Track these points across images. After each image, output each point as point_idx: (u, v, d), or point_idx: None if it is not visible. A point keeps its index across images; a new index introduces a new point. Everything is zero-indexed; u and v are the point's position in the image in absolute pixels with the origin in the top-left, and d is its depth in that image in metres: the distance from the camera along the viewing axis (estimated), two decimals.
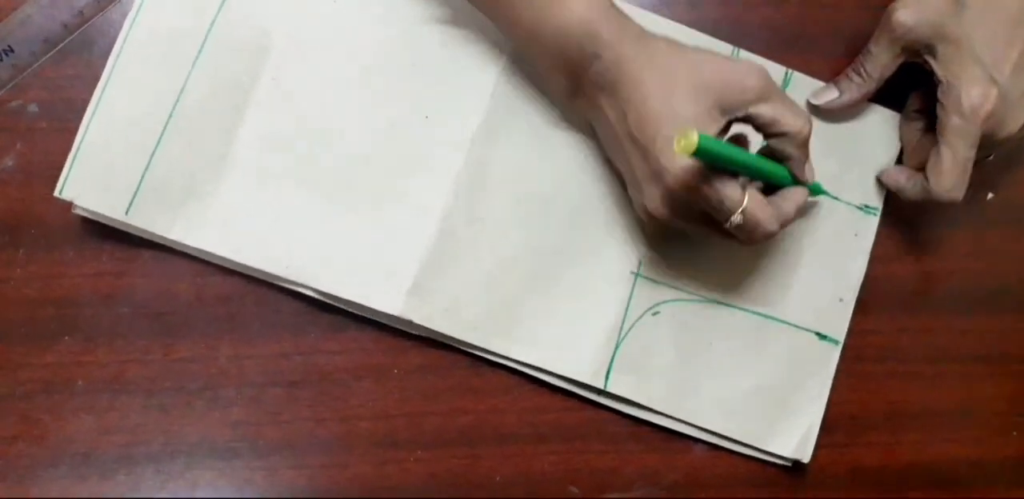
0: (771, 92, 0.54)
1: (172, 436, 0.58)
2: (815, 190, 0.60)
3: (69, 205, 0.58)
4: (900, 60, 0.63)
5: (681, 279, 0.63)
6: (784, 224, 0.56)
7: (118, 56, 0.58)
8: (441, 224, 0.60)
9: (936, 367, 0.67)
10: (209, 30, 0.59)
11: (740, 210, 0.53)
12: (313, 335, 0.60)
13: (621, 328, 0.62)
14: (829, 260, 0.65)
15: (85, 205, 0.57)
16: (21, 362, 0.58)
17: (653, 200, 0.55)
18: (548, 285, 0.62)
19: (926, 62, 0.61)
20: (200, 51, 0.59)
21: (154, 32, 0.59)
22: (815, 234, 0.65)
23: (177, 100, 0.59)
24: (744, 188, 0.53)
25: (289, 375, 0.60)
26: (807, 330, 0.64)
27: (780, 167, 0.57)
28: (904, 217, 0.67)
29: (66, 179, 0.57)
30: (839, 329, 0.65)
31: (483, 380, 0.61)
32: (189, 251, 0.59)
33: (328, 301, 0.60)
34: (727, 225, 0.54)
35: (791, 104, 0.55)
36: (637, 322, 0.62)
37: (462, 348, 0.61)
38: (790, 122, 0.54)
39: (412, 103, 0.61)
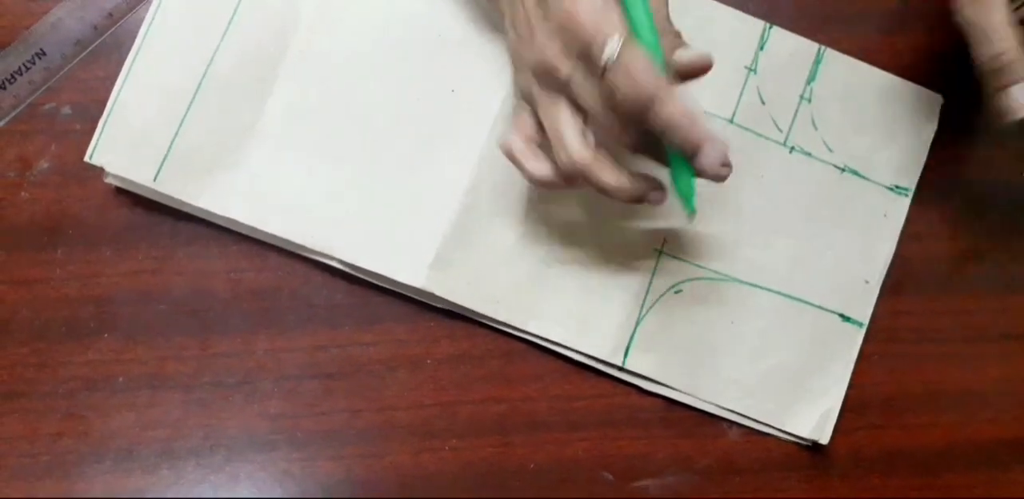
0: None
1: (212, 430, 0.59)
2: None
3: (105, 205, 0.60)
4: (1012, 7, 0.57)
5: (705, 257, 0.63)
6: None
7: (150, 24, 0.58)
8: (465, 198, 0.61)
9: (973, 347, 0.66)
10: (240, 0, 0.60)
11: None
12: (347, 327, 0.61)
13: (642, 305, 0.62)
14: (857, 241, 0.65)
15: (114, 171, 0.58)
16: (63, 360, 0.59)
17: (552, 54, 0.51)
18: (571, 260, 0.62)
19: None
20: (231, 21, 0.59)
21: (186, 1, 0.59)
22: (843, 214, 0.65)
23: (207, 69, 0.59)
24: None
25: (325, 367, 0.61)
26: (830, 311, 0.64)
27: None
28: (938, 196, 0.66)
29: (96, 144, 0.58)
30: (863, 311, 0.64)
31: (515, 369, 0.62)
32: (215, 220, 0.60)
33: (352, 272, 0.60)
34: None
35: None
36: (659, 300, 0.62)
37: (484, 321, 0.61)
38: None
39: (439, 76, 0.61)
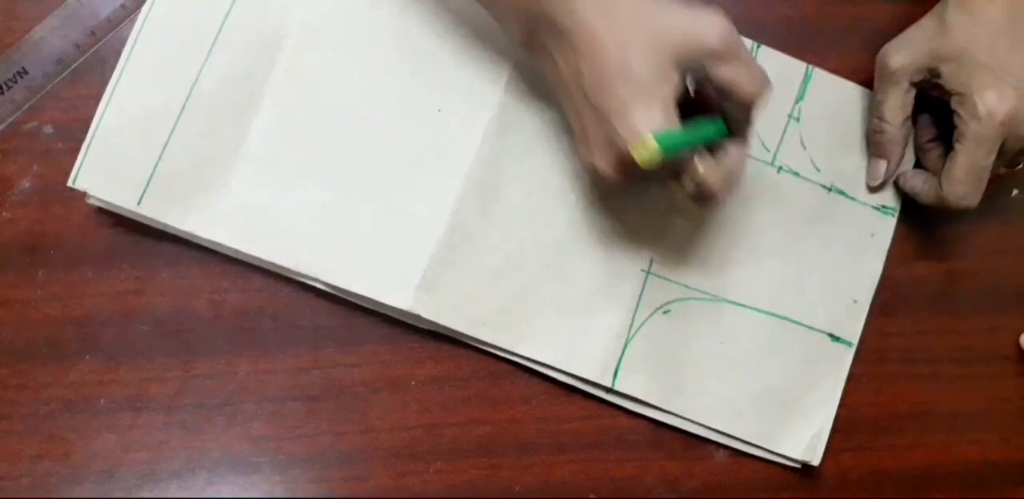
0: (731, 51, 0.50)
1: (194, 452, 0.59)
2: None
3: (87, 225, 0.59)
4: (912, 95, 0.62)
5: (692, 277, 0.63)
6: (734, 185, 0.54)
7: (133, 46, 0.58)
8: (451, 218, 0.60)
9: (961, 368, 0.66)
10: (223, 21, 0.59)
11: (695, 178, 0.52)
12: (331, 349, 0.61)
13: (631, 326, 0.62)
14: (845, 261, 0.65)
15: (98, 195, 0.58)
16: (44, 381, 0.59)
17: (605, 163, 0.53)
18: (558, 281, 0.61)
19: (934, 86, 0.61)
20: (214, 42, 0.59)
21: (169, 22, 0.59)
22: (830, 234, 0.65)
23: (191, 91, 0.58)
24: (696, 155, 0.52)
25: (308, 389, 0.60)
26: (820, 331, 0.64)
27: (719, 124, 0.54)
28: (925, 216, 0.66)
29: (79, 169, 0.57)
30: (853, 331, 0.64)
31: (501, 390, 0.61)
32: (200, 242, 0.59)
33: (338, 294, 0.60)
34: (680, 193, 0.53)
35: (751, 65, 0.51)
36: (647, 320, 0.62)
37: (471, 343, 0.61)
38: (744, 89, 0.50)
39: (425, 96, 0.61)
